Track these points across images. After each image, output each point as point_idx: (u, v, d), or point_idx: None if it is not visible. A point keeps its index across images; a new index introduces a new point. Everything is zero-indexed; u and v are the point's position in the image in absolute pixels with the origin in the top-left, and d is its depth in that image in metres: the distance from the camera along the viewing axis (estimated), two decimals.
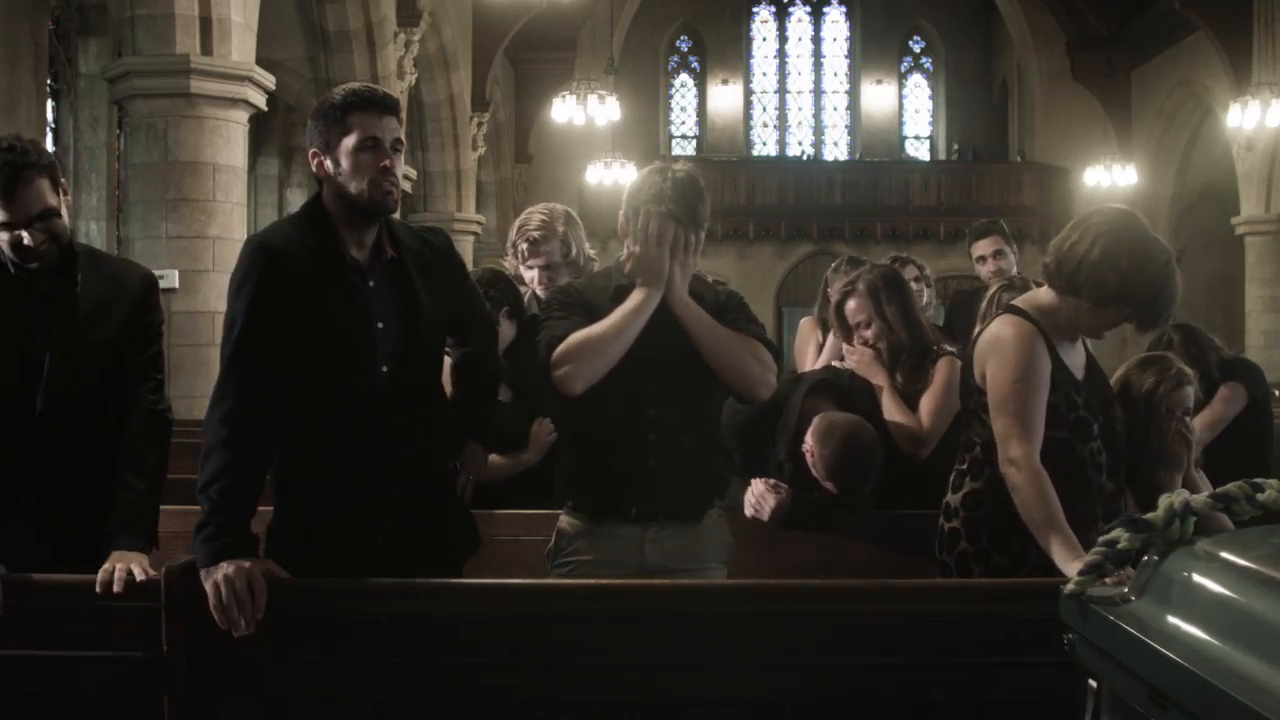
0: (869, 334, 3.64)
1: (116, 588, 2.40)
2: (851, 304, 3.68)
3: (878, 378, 3.61)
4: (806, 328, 4.54)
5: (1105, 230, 2.70)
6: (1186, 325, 4.31)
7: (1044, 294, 2.79)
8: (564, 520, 2.84)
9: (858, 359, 3.65)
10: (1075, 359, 2.80)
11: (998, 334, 2.74)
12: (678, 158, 3.12)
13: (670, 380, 2.72)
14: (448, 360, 2.84)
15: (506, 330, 3.60)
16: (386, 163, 2.50)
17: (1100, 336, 2.84)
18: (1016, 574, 2.72)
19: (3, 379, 2.65)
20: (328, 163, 2.52)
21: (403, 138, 2.59)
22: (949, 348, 3.71)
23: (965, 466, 2.85)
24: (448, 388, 2.84)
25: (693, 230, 2.72)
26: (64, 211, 2.68)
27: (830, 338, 4.13)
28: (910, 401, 3.56)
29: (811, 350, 4.37)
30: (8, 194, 2.57)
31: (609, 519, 2.76)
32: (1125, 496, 2.92)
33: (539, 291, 3.73)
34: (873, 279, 3.67)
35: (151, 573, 2.44)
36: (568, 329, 2.68)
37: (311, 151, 2.55)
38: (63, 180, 2.71)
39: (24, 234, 2.59)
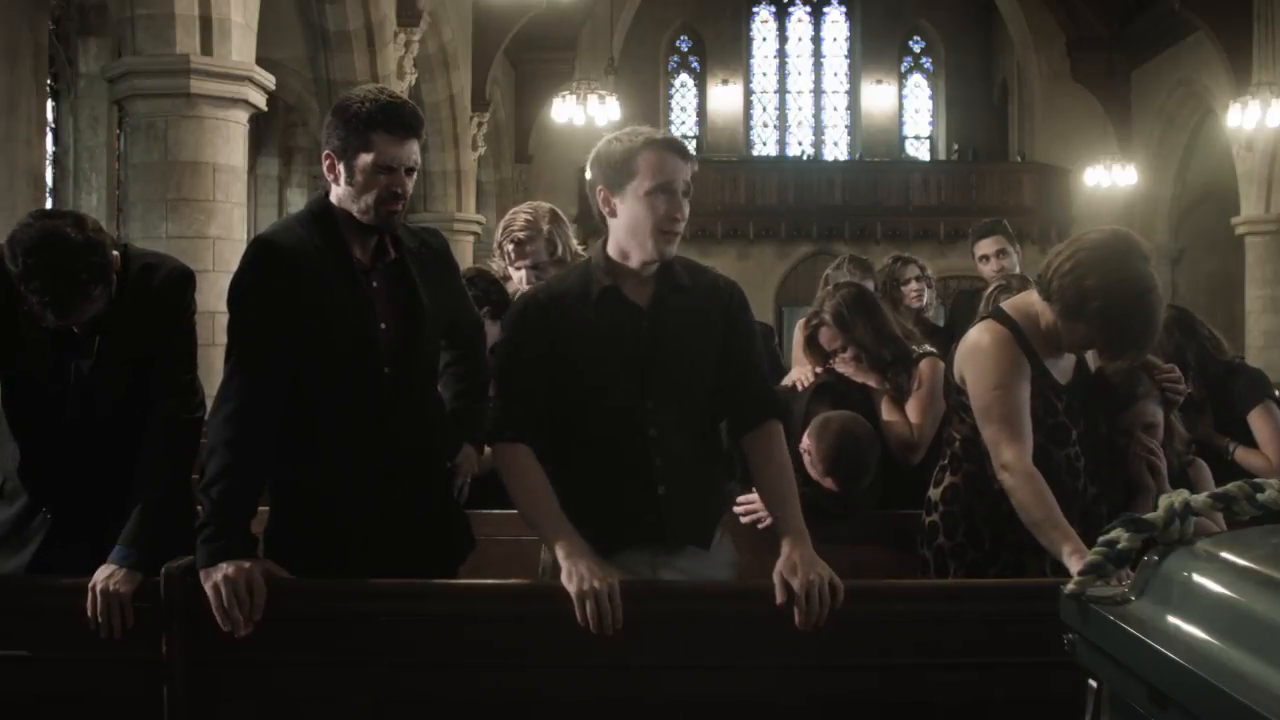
0: (847, 357, 3.66)
1: (103, 634, 2.39)
2: (824, 334, 3.69)
3: (871, 380, 3.62)
4: (803, 329, 4.53)
5: (1088, 245, 2.66)
6: (1183, 310, 4.08)
7: (1034, 298, 2.79)
8: None
9: (848, 369, 3.66)
10: (1062, 364, 2.79)
11: (976, 341, 2.74)
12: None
13: (668, 397, 2.51)
14: None
15: (491, 330, 3.60)
16: (397, 189, 2.49)
17: (1076, 351, 2.78)
18: (987, 570, 2.75)
19: (33, 397, 2.62)
20: (340, 168, 2.51)
21: (419, 158, 2.56)
22: (929, 348, 3.72)
23: (946, 461, 2.89)
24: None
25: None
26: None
27: (797, 353, 4.14)
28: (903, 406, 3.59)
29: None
30: (66, 310, 2.45)
31: (616, 546, 2.48)
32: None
33: None
34: (836, 305, 3.67)
35: (124, 590, 2.40)
36: (519, 423, 2.49)
37: (326, 152, 2.53)
38: (114, 255, 2.53)
39: (74, 327, 2.54)
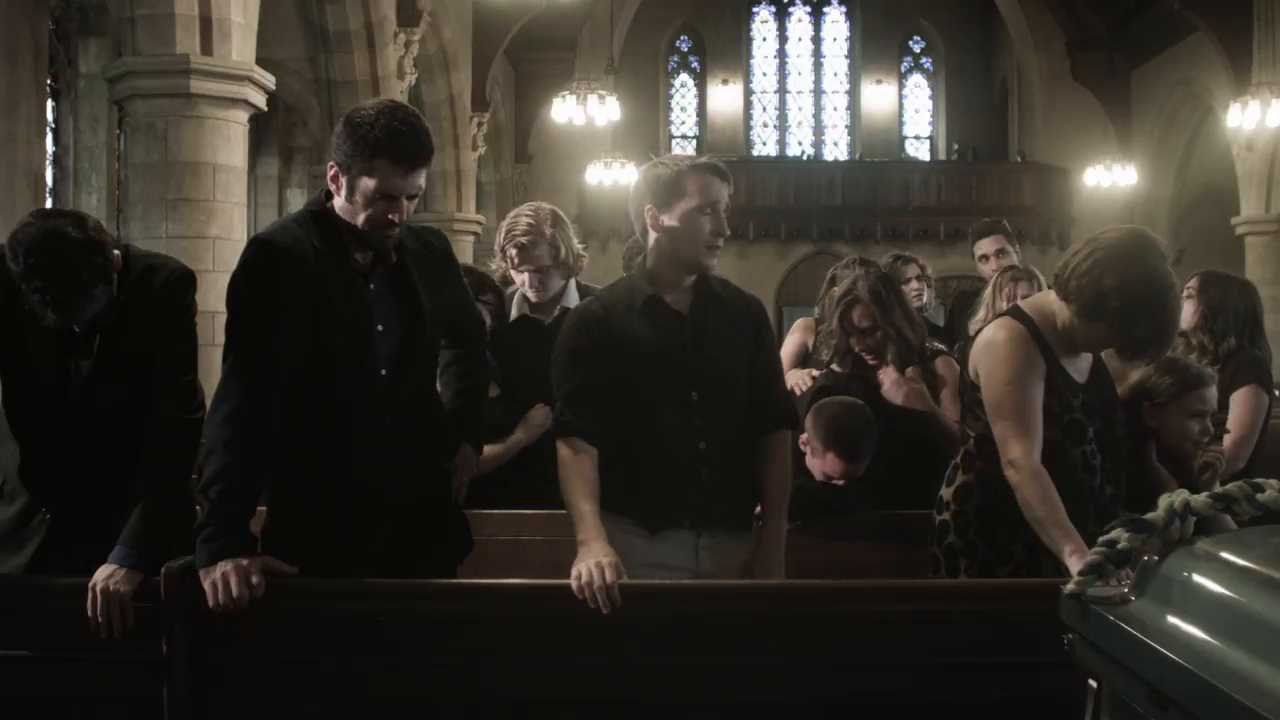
0: (877, 340, 3.63)
1: (104, 634, 2.39)
2: (857, 311, 3.66)
3: (887, 369, 3.59)
4: (799, 328, 4.54)
5: (1106, 244, 2.69)
6: (1254, 290, 4.04)
7: (1051, 297, 2.79)
8: (613, 528, 2.67)
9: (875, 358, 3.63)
10: (1078, 362, 2.80)
11: (991, 337, 2.76)
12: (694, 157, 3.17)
13: (710, 392, 2.75)
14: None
15: None
16: (394, 216, 2.49)
17: (1093, 350, 2.80)
18: (1000, 569, 2.76)
19: (33, 397, 2.61)
20: (343, 182, 2.50)
21: (424, 183, 2.55)
22: (940, 346, 3.72)
23: (959, 460, 2.89)
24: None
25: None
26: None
27: (788, 355, 4.12)
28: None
29: (794, 351, 4.35)
30: (67, 310, 2.44)
31: (664, 527, 2.74)
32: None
33: (530, 295, 3.71)
34: (873, 285, 3.66)
35: (124, 590, 2.40)
36: (577, 419, 2.67)
37: (331, 161, 2.52)
38: (115, 255, 2.52)
39: (74, 327, 2.54)
